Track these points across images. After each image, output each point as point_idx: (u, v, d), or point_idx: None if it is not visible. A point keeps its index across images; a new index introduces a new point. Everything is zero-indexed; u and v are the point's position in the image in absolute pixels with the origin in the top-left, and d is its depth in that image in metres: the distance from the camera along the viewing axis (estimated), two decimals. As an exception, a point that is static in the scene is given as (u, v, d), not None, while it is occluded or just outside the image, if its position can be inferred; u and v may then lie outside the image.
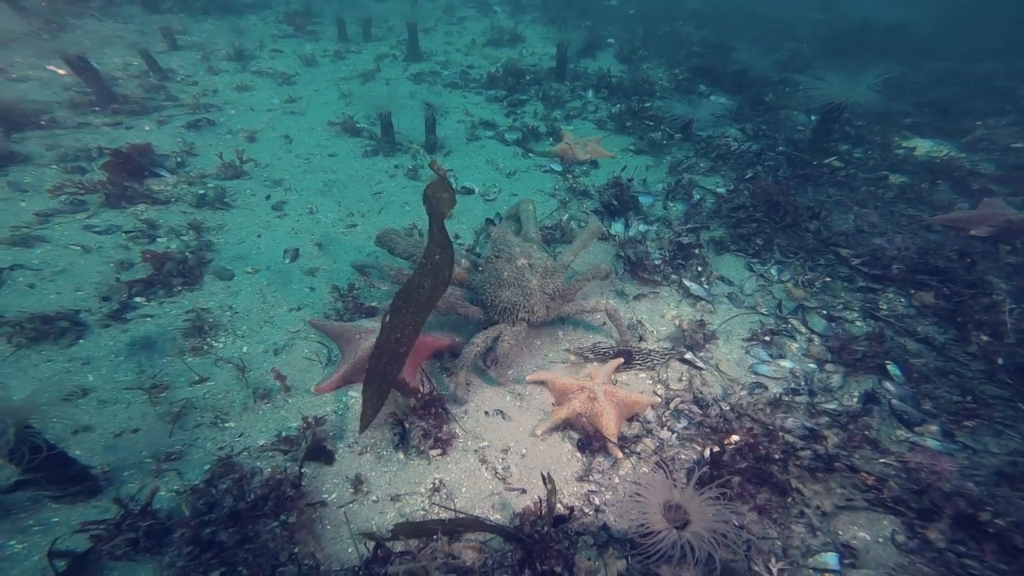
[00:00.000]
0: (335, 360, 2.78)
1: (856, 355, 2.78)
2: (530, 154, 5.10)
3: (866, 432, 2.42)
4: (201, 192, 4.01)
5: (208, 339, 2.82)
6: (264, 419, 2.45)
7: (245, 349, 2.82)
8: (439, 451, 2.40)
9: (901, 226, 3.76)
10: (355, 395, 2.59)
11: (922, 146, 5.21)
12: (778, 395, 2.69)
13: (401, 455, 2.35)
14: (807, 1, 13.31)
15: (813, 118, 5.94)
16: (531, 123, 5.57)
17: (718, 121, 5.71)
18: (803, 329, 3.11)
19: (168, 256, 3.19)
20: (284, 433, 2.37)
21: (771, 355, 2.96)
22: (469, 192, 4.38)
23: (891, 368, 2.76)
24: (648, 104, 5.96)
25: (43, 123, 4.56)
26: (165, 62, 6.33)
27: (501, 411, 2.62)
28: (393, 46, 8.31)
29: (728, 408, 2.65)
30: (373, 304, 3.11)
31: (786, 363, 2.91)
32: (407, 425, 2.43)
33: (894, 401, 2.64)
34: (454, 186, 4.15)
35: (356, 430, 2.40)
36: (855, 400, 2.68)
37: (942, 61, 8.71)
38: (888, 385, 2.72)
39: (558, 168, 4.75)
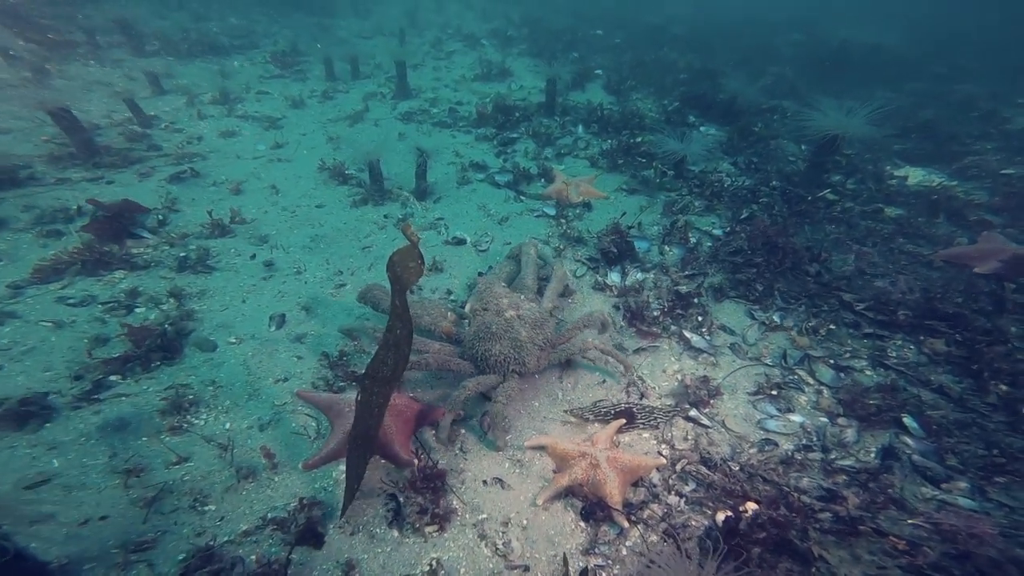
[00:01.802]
0: (324, 433, 2.83)
1: (869, 408, 2.87)
2: (522, 197, 5.32)
3: (889, 491, 2.47)
4: (183, 254, 4.12)
5: (188, 416, 2.86)
6: (248, 500, 2.48)
7: (228, 425, 2.86)
8: (436, 527, 2.42)
9: (902, 266, 3.94)
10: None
11: (914, 174, 5.51)
12: (790, 452, 2.75)
13: (396, 533, 2.38)
14: (787, 24, 14.23)
15: (804, 147, 6.27)
16: (522, 163, 5.83)
17: (710, 154, 6.02)
18: (811, 380, 3.21)
19: (148, 330, 3.23)
20: (271, 515, 2.39)
21: (779, 409, 3.04)
22: (461, 243, 4.55)
23: (908, 421, 2.84)
24: (639, 139, 6.28)
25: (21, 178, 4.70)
26: (150, 107, 6.64)
27: (500, 479, 2.66)
28: (381, 83, 8.76)
29: (738, 468, 2.69)
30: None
31: (796, 417, 2.99)
32: (402, 500, 2.46)
33: (915, 456, 2.70)
34: (425, 254, 4.29)
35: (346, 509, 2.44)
36: (872, 456, 2.74)
37: (921, 82, 9.28)
38: (907, 439, 2.80)
39: (551, 212, 4.95)
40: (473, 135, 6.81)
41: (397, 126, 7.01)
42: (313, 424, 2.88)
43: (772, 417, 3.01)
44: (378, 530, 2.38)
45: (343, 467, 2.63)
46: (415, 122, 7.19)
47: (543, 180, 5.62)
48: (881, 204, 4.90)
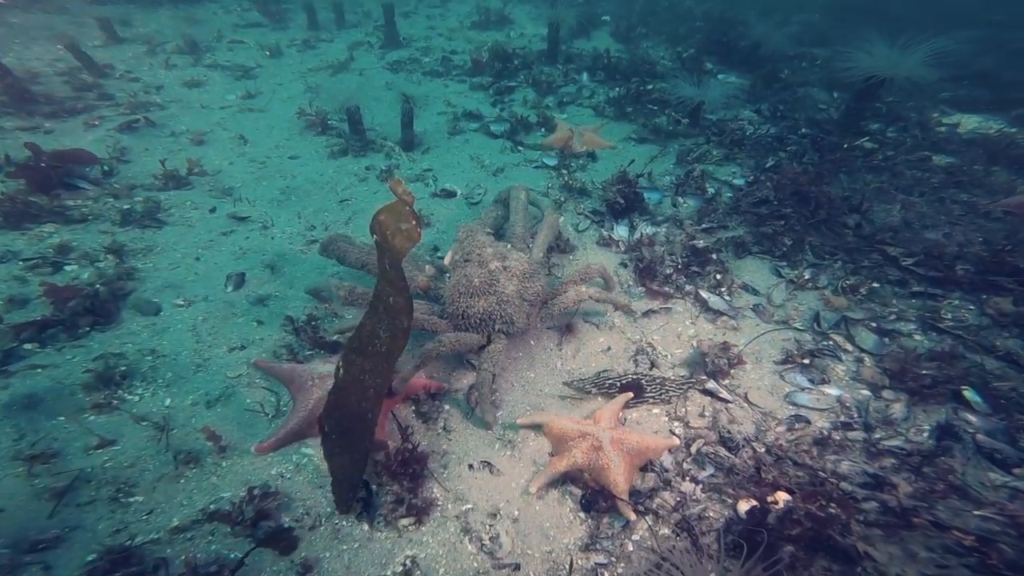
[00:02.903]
0: (285, 410, 2.41)
1: (923, 379, 2.39)
2: (520, 147, 4.72)
3: (949, 477, 2.04)
4: (127, 207, 3.60)
5: (119, 392, 2.44)
6: (186, 490, 2.08)
7: (168, 402, 2.44)
8: (413, 520, 2.04)
9: (956, 216, 3.36)
10: (309, 453, 2.23)
11: (967, 122, 4.80)
12: (825, 431, 2.32)
13: (365, 527, 2.00)
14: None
15: (836, 95, 5.54)
16: (521, 112, 5.18)
17: (729, 102, 5.31)
18: (849, 347, 2.73)
19: (74, 290, 2.79)
20: (213, 507, 2.00)
21: (812, 381, 2.58)
22: (450, 195, 4.00)
23: (969, 395, 2.38)
24: (650, 86, 5.57)
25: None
26: (103, 56, 5.93)
27: (488, 463, 2.26)
28: (369, 33, 7.94)
29: (764, 450, 2.28)
30: (337, 339, 2.74)
31: (831, 390, 2.54)
32: (374, 488, 2.08)
33: (979, 436, 2.26)
34: (427, 196, 3.78)
35: (306, 498, 2.06)
36: (926, 436, 2.30)
37: (976, 29, 8.26)
38: (968, 416, 2.34)
39: (552, 163, 4.37)
40: (467, 84, 6.10)
41: (384, 75, 6.30)
42: (272, 399, 2.45)
43: (803, 390, 2.56)
44: (344, 523, 2.00)
45: (307, 449, 2.24)
46: (404, 71, 6.46)
47: (543, 130, 4.99)
48: (928, 152, 4.24)
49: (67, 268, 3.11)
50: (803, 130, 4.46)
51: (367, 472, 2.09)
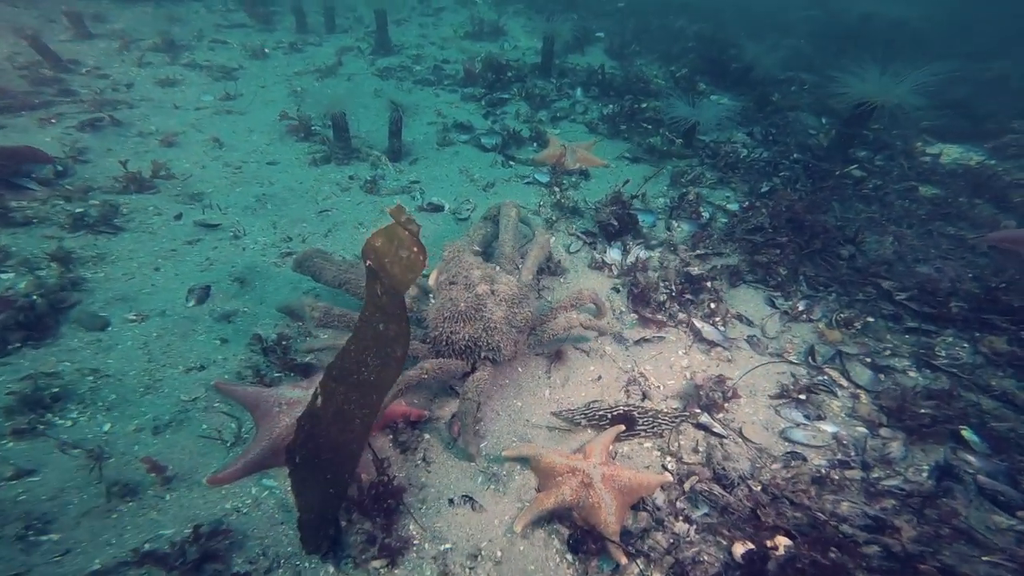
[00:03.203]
0: (247, 437, 2.25)
1: (921, 418, 2.38)
2: (511, 162, 4.68)
3: (954, 521, 2.00)
4: (80, 211, 3.37)
5: (47, 416, 2.24)
6: (117, 527, 1.89)
7: (108, 428, 2.24)
8: (386, 562, 1.90)
9: (945, 250, 3.42)
10: (272, 485, 2.07)
11: (948, 152, 4.98)
12: (823, 469, 2.28)
13: (331, 568, 1.85)
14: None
15: (825, 121, 5.70)
16: (513, 126, 5.17)
17: (722, 124, 5.40)
18: (844, 382, 2.72)
19: (6, 301, 2.58)
20: (149, 547, 1.81)
21: (807, 416, 2.55)
22: (437, 209, 3.92)
23: (968, 434, 2.38)
24: (644, 104, 5.63)
25: None
26: (70, 51, 5.70)
27: (470, 498, 2.15)
28: (360, 38, 7.89)
29: (760, 488, 2.22)
30: (310, 360, 2.59)
31: (827, 427, 2.51)
32: (343, 524, 1.95)
33: (981, 478, 2.25)
34: (418, 207, 3.68)
35: (264, 536, 1.91)
36: (925, 475, 2.29)
37: (951, 60, 8.70)
38: (967, 456, 2.33)
39: (544, 179, 4.34)
40: (459, 94, 6.08)
41: (373, 82, 6.24)
42: (232, 426, 2.29)
43: (799, 426, 2.53)
44: (307, 565, 1.85)
45: (268, 481, 2.08)
46: (394, 79, 6.41)
47: (535, 144, 4.98)
48: (915, 182, 4.37)
49: (2, 276, 2.87)
50: (795, 155, 4.55)
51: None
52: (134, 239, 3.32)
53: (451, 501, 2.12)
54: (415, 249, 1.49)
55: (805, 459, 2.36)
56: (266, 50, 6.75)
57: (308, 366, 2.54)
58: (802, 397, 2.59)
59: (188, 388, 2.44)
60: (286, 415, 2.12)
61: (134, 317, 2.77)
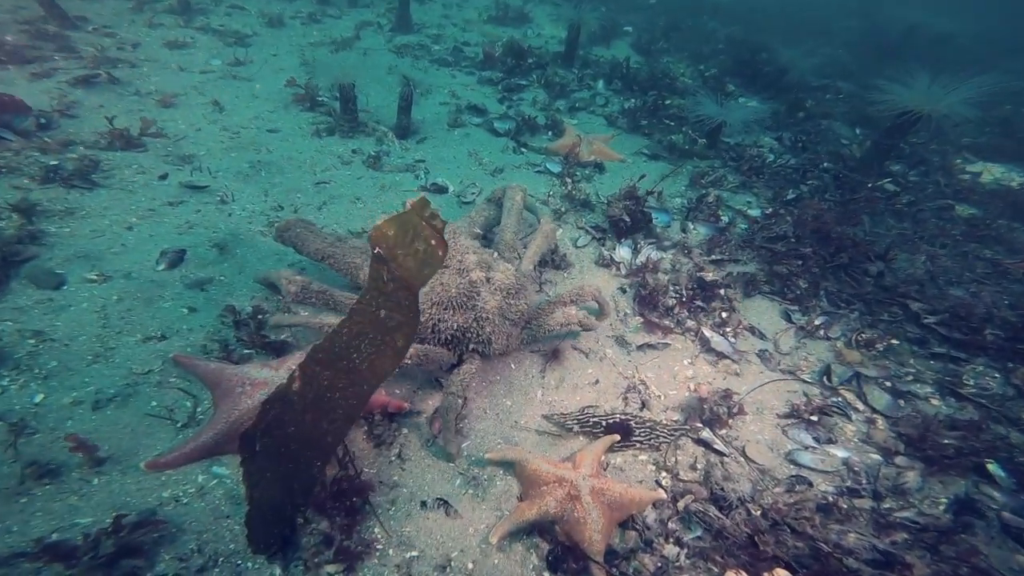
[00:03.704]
0: (204, 419, 2.10)
1: (944, 449, 2.20)
2: (523, 149, 4.52)
3: (973, 559, 1.84)
4: (55, 163, 3.23)
5: None
6: (25, 513, 1.73)
7: (40, 399, 2.08)
8: (341, 567, 1.77)
9: (979, 274, 3.22)
10: (222, 473, 1.93)
11: (990, 171, 4.73)
12: (830, 496, 2.13)
13: (277, 571, 1.71)
14: (840, 5, 13.10)
15: (859, 131, 5.47)
16: (528, 112, 5.01)
17: (748, 127, 5.19)
18: (860, 405, 2.55)
19: None
20: (57, 536, 1.65)
21: (817, 439, 2.40)
22: (442, 190, 3.78)
23: (993, 468, 2.21)
24: (668, 101, 5.43)
25: None
26: (78, 9, 5.60)
27: (445, 502, 2.02)
28: (380, 14, 7.75)
29: (759, 512, 2.07)
30: (285, 338, 2.45)
31: (838, 451, 2.35)
32: (297, 522, 1.82)
33: (1005, 514, 2.09)
34: (424, 184, 3.54)
35: (204, 531, 1.76)
36: (942, 509, 2.13)
37: (995, 74, 8.36)
38: (991, 491, 2.16)
39: (556, 169, 4.18)
40: (476, 77, 5.93)
41: (389, 58, 6.10)
42: (187, 404, 2.14)
43: (807, 448, 2.37)
44: (249, 566, 1.70)
45: (218, 468, 1.94)
46: (411, 56, 6.27)
47: (550, 133, 4.81)
48: (951, 201, 4.14)
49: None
50: (825, 164, 4.34)
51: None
52: (110, 196, 3.16)
53: (424, 504, 1.99)
54: (434, 243, 1.40)
55: (811, 484, 2.21)
56: (284, 19, 6.64)
57: (282, 344, 2.40)
58: (814, 418, 2.43)
59: (143, 359, 2.27)
60: (249, 397, 1.98)
61: (95, 277, 2.61)
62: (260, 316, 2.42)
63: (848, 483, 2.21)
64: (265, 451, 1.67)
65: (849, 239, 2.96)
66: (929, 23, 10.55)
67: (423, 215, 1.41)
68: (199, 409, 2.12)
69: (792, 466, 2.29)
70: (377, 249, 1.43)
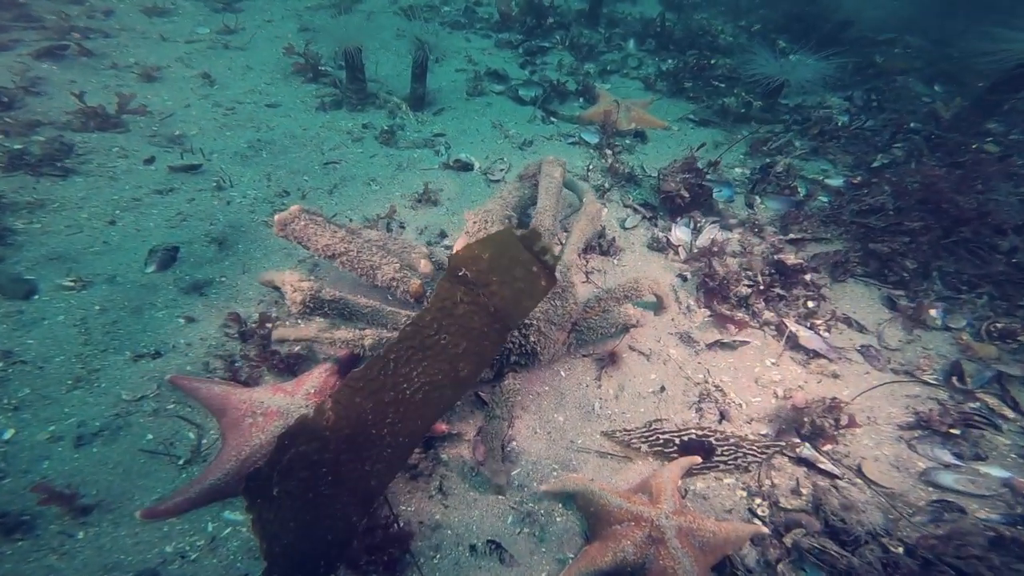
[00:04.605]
0: (208, 453, 1.77)
1: None
2: (553, 118, 4.06)
3: None
4: (19, 147, 2.88)
5: None
6: None
7: (10, 435, 1.77)
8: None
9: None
10: (236, 520, 1.63)
11: None
12: (996, 526, 1.74)
13: None
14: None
15: (938, 88, 4.85)
16: (555, 77, 4.51)
17: (807, 87, 4.62)
18: (1009, 412, 2.10)
19: None
20: None
21: (959, 455, 1.99)
22: (466, 167, 3.36)
23: None
24: (713, 61, 4.87)
25: None
26: None
27: (498, 545, 1.70)
28: (382, -26, 7.22)
29: (901, 549, 1.71)
30: (300, 351, 2.10)
31: (992, 470, 1.97)
32: None
33: None
34: (420, 184, 3.14)
35: None
36: None
37: None
38: None
39: (592, 139, 3.72)
40: (493, 40, 5.43)
41: (396, 21, 5.62)
42: (190, 436, 1.82)
43: (948, 467, 1.98)
44: None
45: (232, 515, 1.62)
46: (420, 19, 5.77)
47: (582, 100, 4.33)
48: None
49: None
50: (912, 124, 3.77)
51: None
52: (88, 184, 2.80)
53: (473, 548, 1.65)
54: (539, 278, 1.35)
55: (964, 511, 1.81)
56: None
57: (297, 359, 2.04)
58: (955, 431, 2.00)
59: (134, 383, 1.94)
60: (260, 430, 1.65)
61: (71, 283, 2.26)
62: (268, 325, 2.07)
63: (1019, 509, 1.81)
64: (289, 496, 1.36)
65: (973, 209, 2.47)
66: None
67: (533, 247, 1.33)
68: (204, 441, 1.80)
69: (932, 489, 1.90)
70: (463, 271, 1.33)
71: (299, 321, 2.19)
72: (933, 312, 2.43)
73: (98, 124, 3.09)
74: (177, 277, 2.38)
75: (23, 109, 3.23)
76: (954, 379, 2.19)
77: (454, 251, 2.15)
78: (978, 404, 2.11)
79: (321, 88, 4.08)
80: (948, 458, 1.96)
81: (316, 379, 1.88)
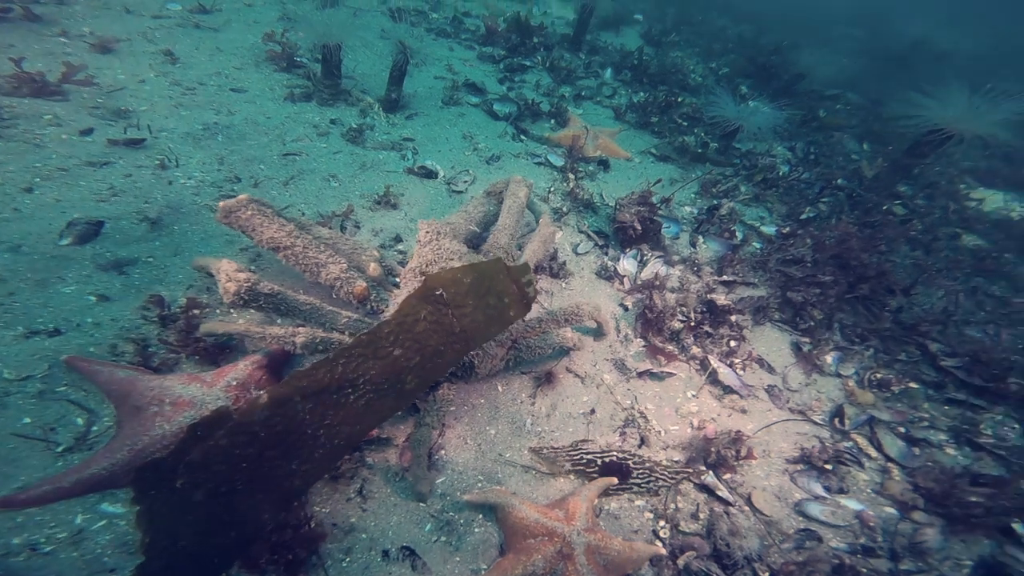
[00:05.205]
0: (96, 441, 1.68)
1: (971, 507, 2.05)
2: (523, 136, 4.16)
3: None
4: None
5: None
6: None
7: None
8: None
9: (990, 312, 3.09)
10: (113, 512, 1.54)
11: (991, 199, 4.66)
12: (842, 555, 1.96)
13: None
14: (848, 12, 13.09)
15: (866, 146, 5.33)
16: (531, 96, 4.61)
17: (759, 134, 4.97)
18: (873, 452, 2.37)
19: None
20: None
21: (828, 488, 2.22)
22: (430, 175, 3.39)
23: (1019, 528, 2.06)
24: (681, 99, 5.13)
25: None
26: None
27: (412, 552, 1.74)
28: (374, -31, 7.10)
29: (767, 574, 1.91)
30: (227, 339, 2.04)
31: (850, 503, 2.20)
32: None
33: None
34: (382, 185, 3.16)
35: None
36: (966, 573, 1.99)
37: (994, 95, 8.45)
38: (1018, 553, 2.03)
39: (558, 162, 3.84)
40: (476, 52, 5.47)
41: (382, 21, 5.56)
42: (78, 421, 1.73)
43: (817, 499, 2.19)
44: None
45: (109, 507, 1.55)
46: (407, 23, 5.73)
47: (553, 121, 4.45)
48: (958, 229, 4.03)
49: None
50: (839, 181, 4.15)
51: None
52: (6, 148, 2.59)
53: (386, 554, 1.69)
54: (512, 307, 1.41)
55: (821, 539, 2.03)
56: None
57: (221, 350, 1.98)
58: (827, 466, 2.23)
59: (21, 361, 1.81)
60: (166, 419, 1.60)
61: None
62: (196, 312, 2.00)
63: (862, 540, 2.05)
64: (195, 489, 1.34)
65: (874, 268, 2.76)
66: (933, 38, 10.61)
67: (520, 279, 1.38)
68: (95, 428, 1.70)
69: (801, 518, 2.11)
70: (440, 291, 1.36)
71: (231, 311, 2.14)
72: (829, 359, 2.70)
73: (33, 91, 2.88)
74: (96, 253, 2.24)
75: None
76: (836, 420, 2.45)
77: (408, 268, 2.19)
78: (851, 444, 2.37)
79: (293, 79, 3.98)
80: (819, 491, 2.19)
81: (241, 371, 1.82)
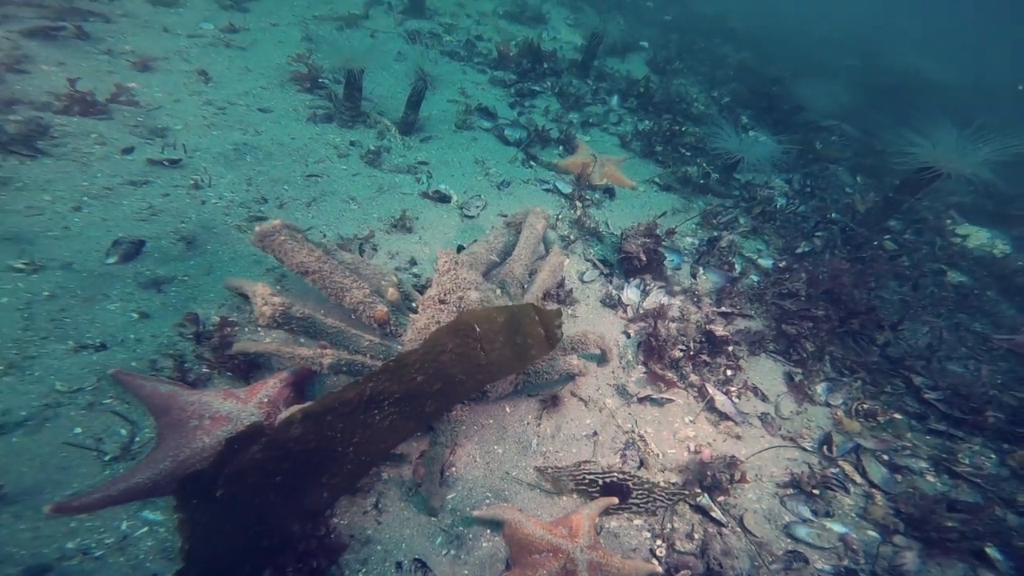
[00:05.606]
0: (139, 451, 1.78)
1: (947, 531, 2.17)
2: (533, 162, 4.33)
3: None
4: None
5: None
6: None
7: None
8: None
9: (975, 349, 3.25)
10: (155, 520, 1.65)
11: (976, 236, 4.84)
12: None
13: None
14: (841, 44, 13.48)
15: (859, 179, 5.53)
16: (541, 122, 4.80)
17: (758, 165, 5.16)
18: (858, 478, 2.50)
19: None
20: None
21: (815, 512, 2.35)
22: (443, 199, 3.54)
23: (992, 552, 2.19)
24: (684, 128, 5.33)
25: None
26: None
27: (423, 563, 1.84)
28: (392, -8, 7.34)
29: None
30: (256, 357, 2.17)
31: (835, 526, 2.32)
32: None
33: None
34: (397, 208, 3.29)
35: None
36: None
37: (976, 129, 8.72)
38: None
39: (566, 189, 4.00)
40: (488, 76, 5.67)
41: (398, 43, 5.76)
42: (122, 432, 1.83)
43: (804, 522, 2.30)
44: None
45: (151, 515, 1.65)
46: (421, 44, 5.94)
47: (562, 148, 4.63)
48: (944, 266, 4.20)
49: None
50: (833, 215, 4.32)
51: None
52: (57, 167, 2.72)
53: (399, 565, 1.80)
54: (536, 348, 1.52)
55: (807, 561, 2.15)
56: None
57: (251, 367, 2.10)
58: (815, 492, 2.36)
59: (72, 374, 1.91)
60: (205, 432, 1.72)
61: (23, 265, 2.20)
62: (228, 330, 2.13)
63: (845, 562, 2.17)
64: (232, 500, 1.45)
65: (864, 304, 2.92)
66: (924, 70, 10.96)
67: (548, 323, 1.51)
68: (137, 439, 1.81)
69: (789, 540, 2.23)
70: (476, 327, 1.46)
71: (259, 330, 2.27)
72: (819, 389, 2.84)
73: (82, 109, 3.04)
74: (138, 271, 2.36)
75: (3, 86, 3.14)
76: (824, 447, 2.58)
77: (428, 295, 2.32)
78: (837, 470, 2.50)
79: (315, 100, 4.16)
80: (807, 514, 2.31)
81: (271, 388, 1.94)
